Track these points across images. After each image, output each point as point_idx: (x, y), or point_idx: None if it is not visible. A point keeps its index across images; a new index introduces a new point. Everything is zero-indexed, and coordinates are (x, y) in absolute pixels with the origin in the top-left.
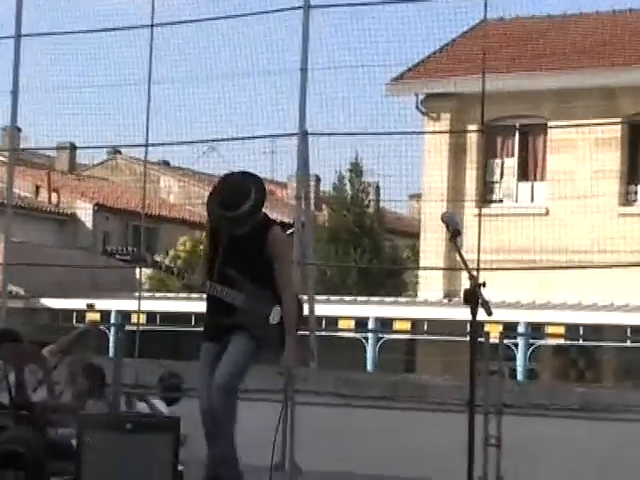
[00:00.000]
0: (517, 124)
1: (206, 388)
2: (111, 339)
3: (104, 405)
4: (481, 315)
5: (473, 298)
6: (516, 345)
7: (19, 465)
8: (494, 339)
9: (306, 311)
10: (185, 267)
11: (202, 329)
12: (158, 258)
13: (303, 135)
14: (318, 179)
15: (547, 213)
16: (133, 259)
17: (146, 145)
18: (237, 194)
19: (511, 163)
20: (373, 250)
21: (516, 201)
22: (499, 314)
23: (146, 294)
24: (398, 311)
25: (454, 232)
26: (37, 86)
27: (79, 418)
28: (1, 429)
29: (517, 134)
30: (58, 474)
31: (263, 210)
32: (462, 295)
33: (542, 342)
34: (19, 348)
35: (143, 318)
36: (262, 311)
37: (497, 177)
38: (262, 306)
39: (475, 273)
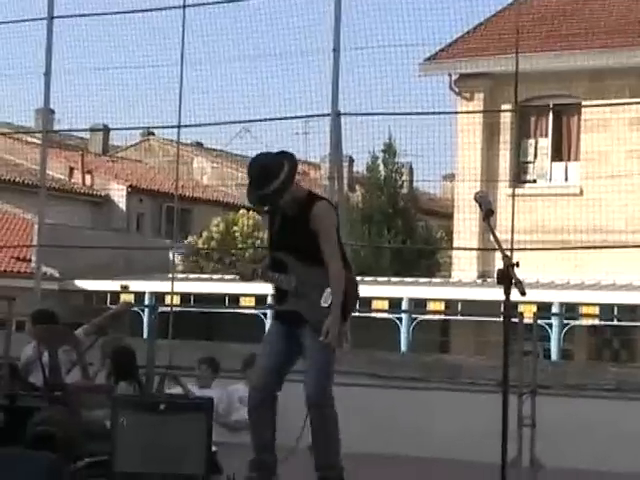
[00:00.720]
0: (551, 104)
1: (263, 369)
2: (145, 320)
3: (135, 387)
4: (515, 295)
5: (506, 278)
6: (550, 325)
7: (53, 446)
8: (528, 319)
9: None
10: (237, 257)
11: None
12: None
13: (336, 116)
14: (351, 160)
15: (581, 193)
16: (189, 252)
17: (179, 126)
18: (266, 172)
19: (545, 143)
20: (406, 231)
21: (550, 181)
22: (533, 294)
23: (180, 275)
24: (432, 292)
25: (487, 212)
26: (70, 68)
27: (113, 399)
28: (35, 410)
29: (551, 114)
30: (92, 455)
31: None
32: (495, 275)
33: (576, 322)
34: (53, 329)
35: (177, 299)
36: (314, 294)
37: (531, 157)
38: (313, 288)
39: (509, 253)
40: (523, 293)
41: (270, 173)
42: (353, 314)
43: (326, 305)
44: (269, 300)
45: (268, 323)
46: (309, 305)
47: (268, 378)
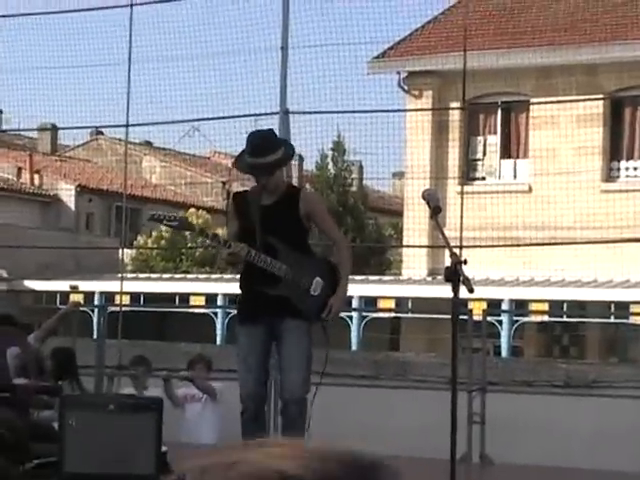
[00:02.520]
0: (499, 101)
1: (252, 379)
2: (94, 321)
3: (74, 386)
4: (464, 292)
5: (454, 275)
6: (500, 322)
7: (1, 447)
8: (477, 316)
9: None
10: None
11: (238, 307)
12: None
13: (284, 114)
14: (301, 158)
15: (530, 190)
16: (181, 225)
17: (127, 125)
18: (267, 143)
19: (493, 140)
20: (356, 229)
21: (499, 178)
22: (482, 291)
23: (129, 275)
24: (382, 289)
25: (435, 209)
26: (17, 67)
27: (60, 399)
28: None
29: (499, 111)
30: (41, 456)
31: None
32: (443, 273)
33: (526, 319)
34: (1, 331)
35: (126, 299)
36: (305, 282)
37: (480, 155)
38: (303, 276)
39: (457, 250)
40: (471, 290)
41: (271, 146)
42: None
43: (315, 294)
44: (219, 300)
45: (219, 323)
46: (300, 293)
47: (258, 388)
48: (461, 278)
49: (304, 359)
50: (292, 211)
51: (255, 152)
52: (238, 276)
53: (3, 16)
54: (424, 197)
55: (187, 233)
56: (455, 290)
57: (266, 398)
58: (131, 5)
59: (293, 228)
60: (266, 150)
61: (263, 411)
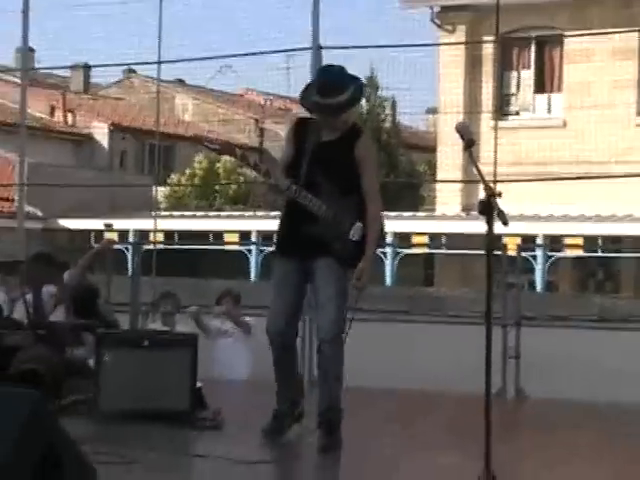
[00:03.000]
0: (533, 35)
1: (282, 314)
2: (129, 258)
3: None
4: (498, 227)
5: (488, 208)
6: (534, 257)
7: (39, 383)
8: (512, 252)
9: None
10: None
11: (276, 241)
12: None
13: (317, 50)
14: None
15: (564, 125)
16: (223, 149)
17: (159, 62)
18: (337, 83)
19: (527, 75)
20: (390, 165)
21: (533, 113)
22: (517, 227)
23: (163, 213)
24: (416, 225)
25: (468, 141)
26: (48, 5)
27: (96, 336)
28: (20, 349)
29: (533, 45)
30: (76, 392)
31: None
32: (477, 206)
33: (560, 254)
34: (37, 269)
35: (160, 237)
36: (344, 225)
37: (513, 89)
38: (345, 219)
39: (492, 185)
40: (505, 223)
41: (340, 85)
42: None
43: (354, 239)
44: (253, 237)
45: (253, 259)
46: (337, 234)
47: (288, 320)
48: (495, 211)
49: (336, 297)
50: (347, 152)
51: (324, 91)
52: (272, 213)
53: None
54: (457, 129)
55: (221, 170)
56: (489, 223)
57: (295, 332)
58: None
59: (344, 169)
60: (335, 90)
61: (291, 342)
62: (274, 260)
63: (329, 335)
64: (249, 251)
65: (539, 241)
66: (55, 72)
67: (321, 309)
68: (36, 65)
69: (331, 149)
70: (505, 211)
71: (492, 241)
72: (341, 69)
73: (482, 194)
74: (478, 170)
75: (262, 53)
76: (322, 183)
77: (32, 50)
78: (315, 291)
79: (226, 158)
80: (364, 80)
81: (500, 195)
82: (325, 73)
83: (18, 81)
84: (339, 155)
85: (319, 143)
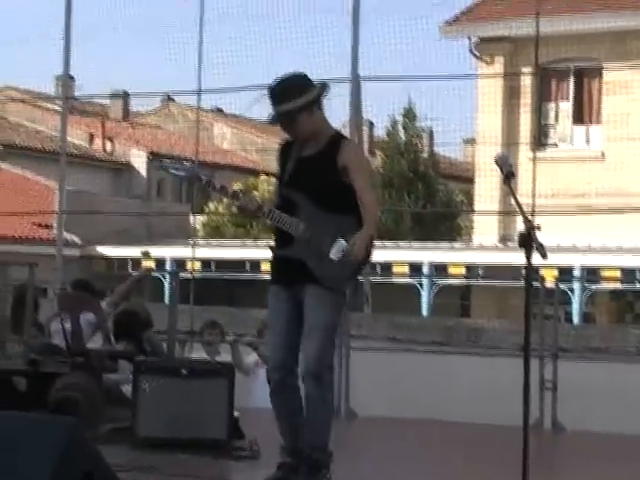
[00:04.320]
0: (572, 66)
1: (278, 345)
2: (166, 286)
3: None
4: (536, 259)
5: (528, 241)
6: (572, 289)
7: (76, 411)
8: (549, 283)
9: None
10: (241, 189)
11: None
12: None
13: (355, 80)
14: (371, 124)
15: (603, 156)
16: (188, 175)
17: (199, 92)
18: (285, 88)
19: (566, 106)
20: (427, 195)
21: (571, 144)
22: (554, 258)
23: (201, 241)
24: (453, 256)
25: (508, 174)
26: (88, 34)
27: (134, 364)
28: (58, 375)
29: (572, 76)
30: (114, 420)
31: (334, 128)
32: (517, 238)
33: (598, 286)
34: (75, 296)
35: (198, 265)
36: (324, 243)
37: (552, 120)
38: (324, 237)
39: (530, 217)
40: (544, 256)
41: (290, 91)
42: (373, 279)
43: (334, 258)
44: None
45: None
46: (317, 256)
47: (284, 355)
48: (535, 244)
49: (320, 330)
50: (329, 164)
51: (273, 99)
52: None
53: None
54: (497, 162)
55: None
56: (528, 256)
57: (295, 365)
58: None
59: (325, 184)
60: (283, 95)
61: (290, 380)
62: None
63: (312, 367)
64: None
65: (576, 273)
66: (94, 100)
67: (305, 341)
68: (76, 93)
69: (310, 164)
70: (543, 243)
71: (531, 274)
72: (294, 75)
73: (520, 225)
74: (517, 202)
75: None
76: (300, 200)
77: (72, 78)
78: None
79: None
80: (402, 110)
81: (539, 228)
82: (275, 82)
83: (58, 108)
84: (318, 169)
85: (298, 159)
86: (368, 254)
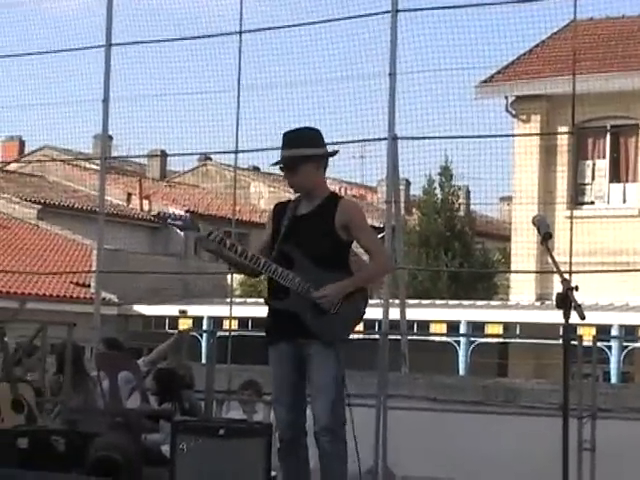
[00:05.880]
0: (608, 125)
1: (284, 406)
2: (203, 345)
3: (176, 407)
4: (574, 318)
5: (566, 302)
6: (609, 348)
7: (115, 472)
8: (587, 342)
9: (397, 315)
10: (239, 239)
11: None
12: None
13: (392, 139)
14: (408, 183)
15: (639, 214)
16: (185, 226)
17: (236, 152)
18: (298, 137)
19: (602, 164)
20: (464, 253)
21: (608, 202)
22: (592, 317)
23: (238, 300)
24: (490, 314)
25: (545, 235)
26: (128, 95)
27: (172, 424)
28: (96, 436)
29: (608, 135)
30: None
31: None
32: (554, 299)
33: (636, 345)
34: (112, 356)
35: (235, 324)
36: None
37: (588, 179)
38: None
39: (567, 276)
40: (583, 317)
41: (302, 140)
42: (410, 338)
43: (332, 312)
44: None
45: None
46: (312, 310)
47: (294, 414)
48: (573, 304)
49: (328, 386)
50: (326, 222)
51: (283, 142)
52: None
53: (113, 44)
54: (534, 223)
55: None
56: (566, 316)
57: (304, 425)
58: (240, 32)
59: (321, 242)
60: (293, 142)
61: (303, 439)
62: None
63: (324, 423)
64: None
65: (614, 331)
66: (132, 159)
67: (315, 399)
68: (114, 153)
69: (306, 221)
70: (580, 301)
71: (569, 334)
72: (311, 129)
73: (557, 283)
74: (554, 263)
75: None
76: (296, 255)
77: (110, 138)
78: (309, 378)
79: None
80: (439, 169)
81: (577, 289)
82: (291, 130)
83: (96, 168)
84: (315, 227)
85: (294, 217)
86: (359, 310)
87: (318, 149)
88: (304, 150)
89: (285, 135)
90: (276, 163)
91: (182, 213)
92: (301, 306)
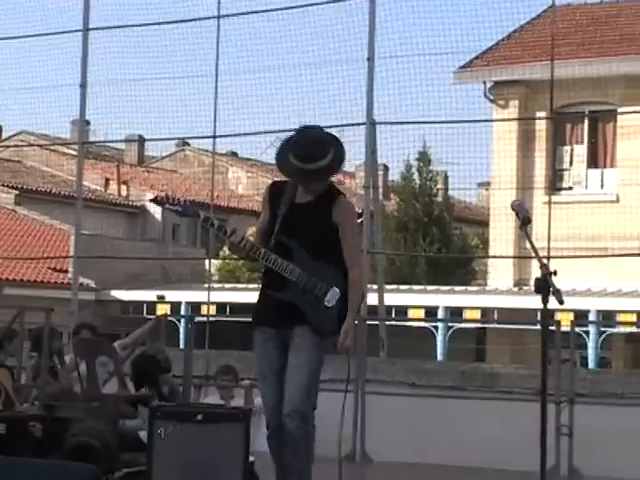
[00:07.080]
0: (586, 110)
1: (269, 389)
2: (181, 331)
3: (154, 393)
4: (552, 303)
5: (544, 287)
6: (587, 333)
7: (93, 457)
8: (565, 327)
9: (375, 300)
10: (235, 228)
11: (253, 310)
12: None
13: (371, 125)
14: (386, 168)
15: (617, 200)
16: (183, 211)
17: (214, 137)
18: (318, 146)
19: (580, 150)
20: (442, 239)
21: (586, 188)
22: (570, 302)
23: (216, 285)
24: (468, 300)
25: (524, 220)
26: (105, 79)
27: (149, 409)
28: (73, 421)
29: (586, 121)
30: (129, 465)
31: (333, 179)
32: (533, 284)
33: (613, 330)
34: (90, 340)
35: (213, 309)
36: (319, 290)
37: (566, 164)
38: (319, 283)
39: (545, 261)
40: (561, 302)
41: (321, 149)
42: (388, 323)
43: (329, 305)
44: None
45: None
46: (312, 302)
47: (278, 402)
48: (551, 289)
49: (304, 371)
50: (323, 215)
51: (305, 156)
52: None
53: (91, 29)
54: (513, 208)
55: None
56: (545, 301)
57: None
58: (218, 17)
59: (319, 233)
60: (316, 155)
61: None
62: (252, 332)
63: (295, 406)
64: None
65: (592, 317)
66: (110, 144)
67: (287, 383)
68: (91, 138)
69: (305, 212)
70: (558, 287)
71: (547, 319)
72: (320, 131)
73: (535, 269)
74: (533, 248)
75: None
76: (294, 246)
77: (88, 123)
78: (290, 359)
79: None
80: (417, 154)
81: (555, 274)
82: (304, 136)
83: (74, 153)
84: (313, 218)
85: (292, 205)
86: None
87: (338, 157)
88: (338, 163)
89: (302, 144)
90: (299, 177)
91: (182, 199)
92: (301, 298)
